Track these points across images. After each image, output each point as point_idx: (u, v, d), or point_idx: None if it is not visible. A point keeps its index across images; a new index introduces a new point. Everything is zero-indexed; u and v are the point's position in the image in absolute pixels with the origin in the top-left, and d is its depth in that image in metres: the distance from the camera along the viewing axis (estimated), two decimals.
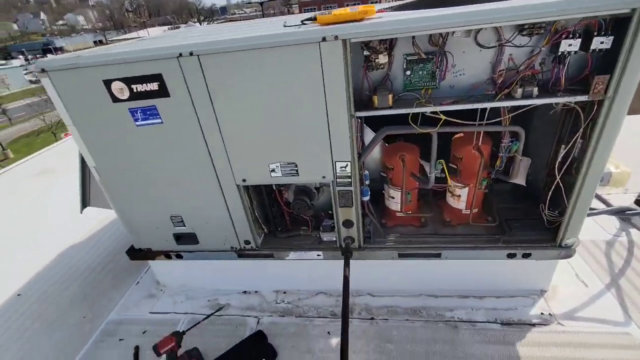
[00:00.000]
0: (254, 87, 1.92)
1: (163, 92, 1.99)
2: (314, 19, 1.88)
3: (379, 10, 1.95)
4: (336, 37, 1.73)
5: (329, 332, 2.53)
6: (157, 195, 2.44)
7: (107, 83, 2.00)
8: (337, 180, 2.21)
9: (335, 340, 2.46)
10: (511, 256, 2.35)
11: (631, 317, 2.36)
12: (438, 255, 2.43)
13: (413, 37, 1.90)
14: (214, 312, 2.55)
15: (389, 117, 2.06)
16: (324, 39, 1.74)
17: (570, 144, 2.02)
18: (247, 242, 2.61)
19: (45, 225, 4.38)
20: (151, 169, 2.32)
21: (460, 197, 2.48)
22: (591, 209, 2.59)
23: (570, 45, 1.73)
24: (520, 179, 2.25)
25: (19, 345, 2.76)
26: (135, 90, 2.01)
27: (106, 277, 3.38)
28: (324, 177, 2.21)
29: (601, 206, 3.21)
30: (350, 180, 2.19)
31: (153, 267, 3.09)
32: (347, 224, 2.39)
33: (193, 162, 2.25)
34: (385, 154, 2.47)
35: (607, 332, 2.27)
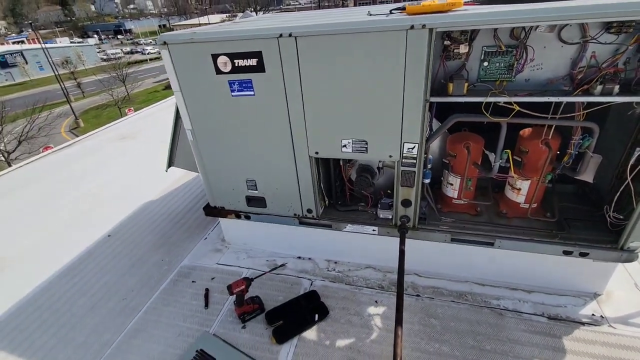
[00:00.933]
0: (340, 68, 2.15)
1: (260, 67, 2.29)
2: (402, 9, 2.06)
3: (466, 3, 2.07)
4: (424, 26, 1.89)
5: (376, 301, 2.74)
6: (238, 159, 2.78)
7: (214, 57, 2.34)
8: (403, 160, 2.38)
9: (382, 309, 2.67)
10: (567, 253, 2.39)
11: None
12: (491, 244, 2.52)
13: (495, 30, 2.01)
14: (276, 268, 2.86)
15: (457, 106, 2.19)
16: (412, 27, 1.91)
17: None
18: (309, 211, 2.88)
19: (128, 182, 5.03)
20: (238, 135, 2.65)
21: (520, 191, 2.54)
22: None
23: None
24: (588, 176, 2.27)
25: (110, 276, 3.29)
26: (236, 65, 2.33)
27: (179, 230, 3.86)
28: (390, 156, 2.39)
29: None
30: (415, 161, 2.36)
31: (222, 224, 3.49)
32: (406, 203, 2.56)
33: (275, 132, 2.54)
34: (449, 141, 2.59)
35: None
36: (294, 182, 2.75)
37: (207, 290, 2.97)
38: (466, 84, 2.09)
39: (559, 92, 2.03)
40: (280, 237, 3.27)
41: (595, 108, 2.04)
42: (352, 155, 2.49)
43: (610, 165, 2.39)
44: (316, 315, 2.60)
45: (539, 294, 2.66)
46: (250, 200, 3.01)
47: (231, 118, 2.58)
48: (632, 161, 2.12)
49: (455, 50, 2.10)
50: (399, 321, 1.89)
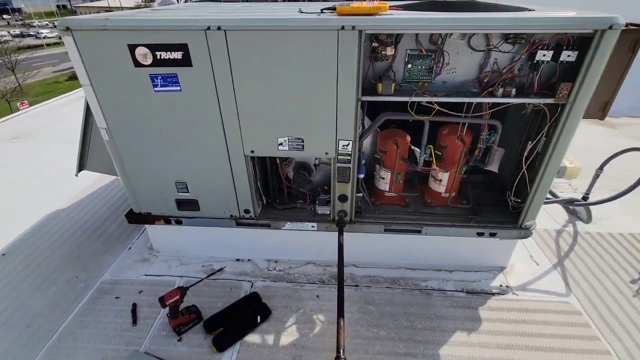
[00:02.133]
0: (273, 66, 2.11)
1: (186, 61, 2.13)
2: (333, 9, 2.10)
3: (391, 7, 2.20)
4: (354, 27, 1.96)
5: (318, 296, 2.80)
6: (165, 160, 2.56)
7: (132, 47, 2.11)
8: (339, 157, 2.45)
9: (324, 302, 2.74)
10: (480, 234, 2.73)
11: (571, 290, 2.82)
12: (419, 231, 2.76)
13: (417, 35, 2.18)
14: (214, 273, 2.72)
15: (386, 105, 2.34)
16: (342, 28, 1.96)
17: (535, 140, 2.40)
18: (246, 211, 2.80)
19: (27, 189, 4.28)
20: (163, 134, 2.44)
21: (441, 181, 2.82)
22: (546, 199, 3.04)
23: (544, 55, 2.08)
24: (494, 167, 2.62)
25: (8, 303, 2.78)
26: (158, 57, 2.13)
27: (96, 241, 3.42)
28: (326, 153, 2.44)
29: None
30: (350, 157, 2.45)
31: (149, 231, 3.19)
32: (342, 198, 2.65)
33: (206, 131, 2.40)
34: (380, 138, 2.75)
35: (552, 301, 2.72)
36: (229, 183, 2.64)
37: (134, 305, 2.70)
38: (393, 84, 2.23)
39: (470, 94, 2.29)
40: (216, 240, 3.12)
41: (498, 108, 2.36)
42: (289, 154, 2.48)
43: (510, 157, 2.79)
44: (258, 317, 2.55)
45: (459, 272, 3.00)
46: (181, 204, 2.81)
47: (155, 116, 2.36)
48: (525, 153, 2.51)
49: (382, 52, 2.22)
50: (340, 312, 1.95)
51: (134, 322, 2.57)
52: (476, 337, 2.45)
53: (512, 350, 2.36)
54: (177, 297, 2.33)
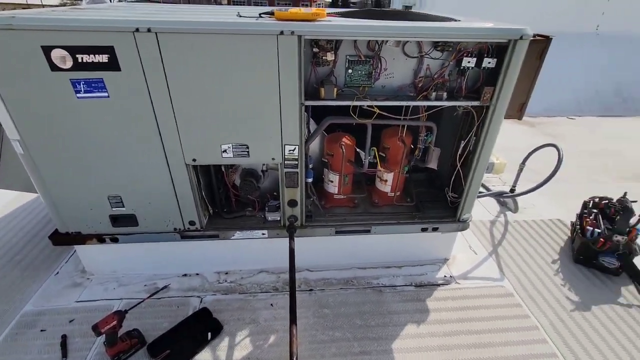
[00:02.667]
0: (212, 70, 2.03)
1: (113, 65, 1.96)
2: (271, 14, 2.08)
3: (329, 14, 2.24)
4: (292, 33, 1.96)
5: (272, 304, 2.74)
6: (95, 173, 2.33)
7: (47, 50, 1.89)
8: (285, 162, 2.43)
9: (279, 311, 2.68)
10: (424, 230, 2.89)
11: (505, 274, 3.11)
12: (368, 231, 2.84)
13: (355, 41, 2.25)
14: (156, 292, 2.53)
15: (330, 110, 2.38)
16: (282, 33, 1.96)
17: (467, 139, 2.61)
18: (192, 223, 2.65)
19: None
20: (90, 145, 2.22)
21: (387, 182, 2.94)
22: (479, 192, 3.32)
23: (468, 62, 2.27)
24: (433, 164, 2.80)
25: None
26: (80, 61, 1.93)
27: (15, 268, 3.00)
28: (273, 158, 2.41)
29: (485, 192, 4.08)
30: (297, 162, 2.44)
31: (80, 253, 2.88)
32: (292, 203, 2.63)
33: (140, 140, 2.23)
34: (327, 142, 2.78)
35: (489, 286, 2.96)
36: (170, 194, 2.48)
37: (64, 337, 2.40)
38: (335, 89, 2.27)
39: (406, 97, 2.41)
40: (160, 256, 2.91)
41: (433, 110, 2.52)
42: (234, 161, 2.40)
43: (447, 156, 2.99)
44: (209, 334, 2.42)
45: (408, 267, 3.14)
46: (117, 220, 2.58)
47: (79, 124, 2.14)
48: (459, 151, 2.71)
49: (323, 58, 2.25)
50: (293, 320, 1.93)
51: (64, 355, 2.29)
52: (425, 328, 2.58)
53: (457, 336, 2.52)
54: (114, 322, 2.12)
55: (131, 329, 2.36)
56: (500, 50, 2.23)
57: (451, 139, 2.89)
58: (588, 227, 3.14)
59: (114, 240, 2.67)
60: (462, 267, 3.18)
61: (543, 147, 3.59)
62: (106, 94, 2.05)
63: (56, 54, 1.91)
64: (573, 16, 9.00)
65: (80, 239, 2.64)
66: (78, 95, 2.04)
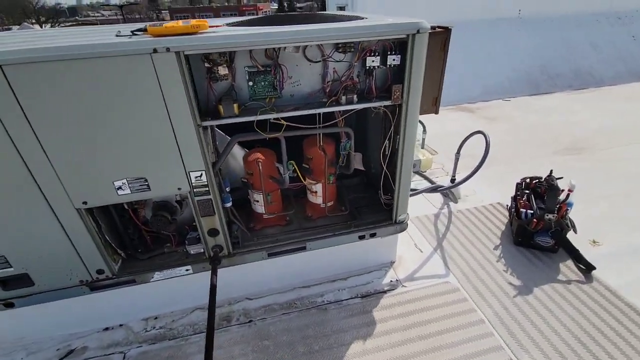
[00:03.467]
0: (80, 101, 1.76)
1: None
2: (144, 30, 1.85)
3: (214, 25, 2.04)
4: (168, 49, 1.75)
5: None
6: None
7: None
8: (195, 190, 2.20)
9: (216, 353, 2.42)
10: (361, 237, 2.76)
11: (450, 269, 3.06)
12: (304, 248, 2.67)
13: (250, 51, 2.07)
14: (67, 355, 2.18)
15: (242, 125, 2.18)
16: (155, 51, 1.73)
17: (388, 138, 2.52)
18: (100, 272, 2.33)
19: None
20: None
21: (317, 193, 2.78)
22: (413, 189, 3.27)
23: (373, 61, 2.17)
24: (359, 166, 2.69)
25: None
26: None
27: None
28: (179, 188, 2.17)
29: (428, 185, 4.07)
30: (207, 189, 2.21)
31: None
32: (212, 232, 2.40)
33: (10, 190, 1.90)
34: (244, 159, 2.58)
35: (435, 284, 2.90)
36: (65, 244, 2.16)
37: None
38: (236, 105, 2.07)
39: (318, 104, 2.27)
40: (73, 313, 2.55)
41: (348, 114, 2.40)
42: (133, 197, 2.13)
43: (377, 156, 2.89)
44: None
45: (353, 277, 3.00)
46: (7, 283, 2.21)
47: None
48: (384, 151, 2.61)
49: (217, 72, 2.05)
50: None
51: None
52: (371, 342, 2.44)
53: (404, 346, 2.41)
54: None
55: None
56: (402, 46, 2.15)
57: (377, 139, 2.79)
58: (522, 209, 3.18)
59: (9, 305, 2.29)
60: (409, 267, 3.10)
61: (471, 135, 3.62)
62: None
63: None
64: (495, 2, 9.49)
65: None
66: None
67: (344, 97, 2.22)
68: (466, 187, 4.11)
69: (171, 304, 2.76)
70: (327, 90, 2.27)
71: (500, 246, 3.30)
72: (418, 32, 2.02)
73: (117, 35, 1.93)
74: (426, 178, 4.16)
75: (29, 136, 1.78)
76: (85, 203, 2.05)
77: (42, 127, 1.78)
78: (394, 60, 2.18)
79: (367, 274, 3.03)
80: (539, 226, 3.06)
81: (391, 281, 2.96)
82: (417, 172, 3.84)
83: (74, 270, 2.28)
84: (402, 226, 2.84)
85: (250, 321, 2.66)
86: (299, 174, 2.54)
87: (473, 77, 8.47)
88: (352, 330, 2.54)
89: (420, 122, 3.83)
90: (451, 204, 3.99)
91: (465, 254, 3.23)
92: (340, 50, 2.17)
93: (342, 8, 9.72)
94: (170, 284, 2.57)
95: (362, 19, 2.36)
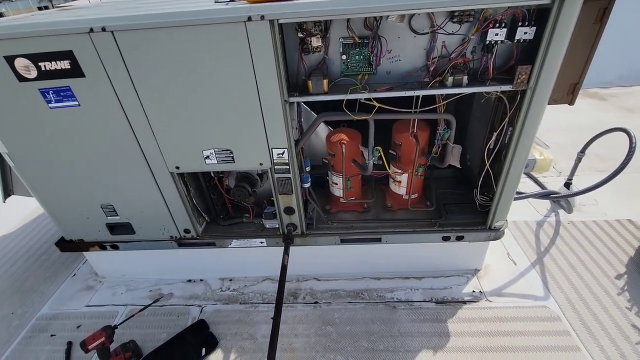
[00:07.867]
0: (178, 68, 1.78)
1: (76, 71, 1.80)
2: None
3: None
4: (262, 17, 1.63)
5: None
6: (81, 183, 2.27)
7: (10, 59, 1.78)
8: (275, 167, 2.15)
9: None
10: (446, 239, 2.45)
11: (550, 291, 2.57)
12: (378, 240, 2.48)
13: (348, 20, 1.84)
14: (151, 304, 2.45)
15: (330, 103, 2.01)
16: (249, 19, 1.63)
17: (498, 131, 2.09)
18: (187, 231, 2.52)
19: None
20: (72, 155, 2.13)
21: (400, 183, 2.52)
22: (519, 192, 2.76)
23: (497, 34, 1.75)
24: (455, 162, 2.32)
25: None
26: (43, 69, 1.80)
27: (39, 269, 3.16)
28: (261, 164, 2.14)
29: (536, 188, 3.43)
30: (288, 167, 2.14)
31: (89, 258, 2.93)
32: (288, 210, 2.36)
33: (119, 148, 2.09)
34: (327, 140, 2.44)
35: (528, 306, 2.46)
36: (160, 202, 2.35)
37: (69, 344, 2.45)
38: (326, 81, 1.90)
39: (417, 85, 1.96)
40: (164, 262, 2.85)
41: (453, 98, 2.04)
42: (219, 167, 2.18)
43: (477, 150, 2.48)
44: (203, 350, 2.31)
45: (429, 279, 2.74)
46: (114, 228, 2.53)
47: (57, 135, 2.05)
48: (489, 146, 2.20)
49: (310, 44, 1.89)
50: (272, 347, 1.71)
51: None
52: (443, 356, 2.20)
53: None
54: (102, 339, 2.07)
55: (128, 341, 2.32)
56: (540, 15, 1.68)
57: (481, 130, 2.37)
58: None
59: (115, 247, 2.64)
60: (497, 280, 2.69)
61: (608, 132, 2.87)
62: (76, 103, 1.92)
63: (19, 64, 1.79)
64: None
65: (83, 246, 2.65)
66: (50, 105, 1.93)
67: (450, 78, 1.87)
68: (585, 195, 3.36)
69: (245, 270, 2.89)
70: (431, 69, 1.93)
71: (626, 276, 2.64)
72: None
73: (215, 2, 1.88)
74: (534, 180, 3.51)
75: (133, 99, 1.89)
76: (177, 168, 2.17)
77: (144, 91, 1.87)
78: (525, 33, 1.72)
79: (445, 278, 2.73)
80: None
81: (473, 292, 2.61)
82: (525, 173, 3.26)
83: (166, 226, 2.49)
84: (497, 234, 2.44)
85: (315, 302, 2.63)
86: (385, 161, 2.30)
87: (613, 54, 6.76)
88: (421, 337, 2.32)
89: None
90: (561, 212, 3.32)
91: (574, 276, 2.67)
92: (455, 20, 1.79)
93: None
94: (245, 251, 2.66)
95: None
